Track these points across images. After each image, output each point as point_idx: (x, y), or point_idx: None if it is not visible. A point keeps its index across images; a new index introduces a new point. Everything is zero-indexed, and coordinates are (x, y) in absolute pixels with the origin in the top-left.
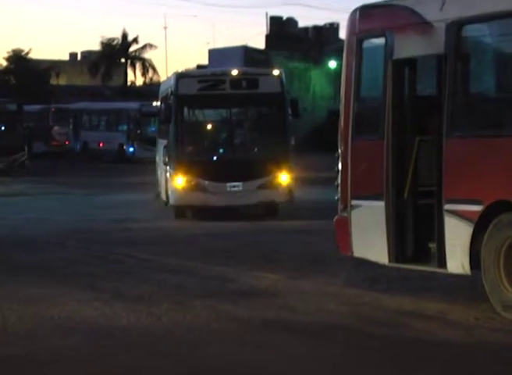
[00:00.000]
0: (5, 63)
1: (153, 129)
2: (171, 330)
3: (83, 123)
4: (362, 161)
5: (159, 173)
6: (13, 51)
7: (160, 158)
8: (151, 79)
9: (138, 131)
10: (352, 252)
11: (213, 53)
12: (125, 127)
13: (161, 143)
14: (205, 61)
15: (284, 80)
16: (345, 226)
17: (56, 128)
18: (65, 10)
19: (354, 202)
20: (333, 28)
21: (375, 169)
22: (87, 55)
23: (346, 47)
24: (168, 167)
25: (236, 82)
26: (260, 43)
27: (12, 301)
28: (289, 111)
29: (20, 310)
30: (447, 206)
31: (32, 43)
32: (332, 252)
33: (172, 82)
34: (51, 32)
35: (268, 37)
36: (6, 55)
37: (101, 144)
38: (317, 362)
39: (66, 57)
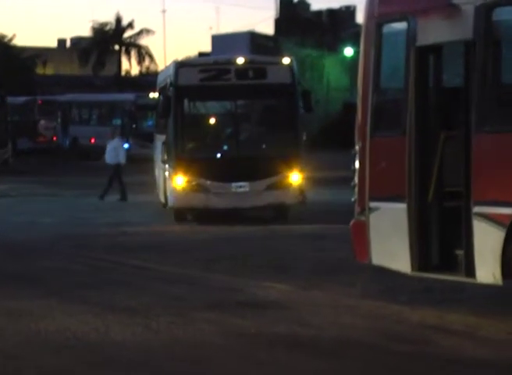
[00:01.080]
0: None
1: (150, 123)
2: (170, 346)
3: (72, 117)
4: (382, 159)
5: (157, 172)
6: None
7: (158, 155)
8: (148, 68)
9: (133, 126)
10: (370, 260)
11: (216, 39)
12: (119, 121)
13: (159, 139)
14: (208, 48)
15: (295, 69)
16: (362, 231)
17: (43, 122)
18: None
19: (373, 205)
20: (349, 11)
21: (395, 167)
22: (76, 41)
23: (363, 32)
24: (166, 166)
25: (241, 71)
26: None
27: None
28: (301, 104)
29: (3, 325)
30: (476, 209)
31: (16, 28)
32: (348, 260)
33: (171, 71)
34: (37, 16)
35: (277, 22)
36: None
37: (92, 140)
38: None
39: (54, 44)
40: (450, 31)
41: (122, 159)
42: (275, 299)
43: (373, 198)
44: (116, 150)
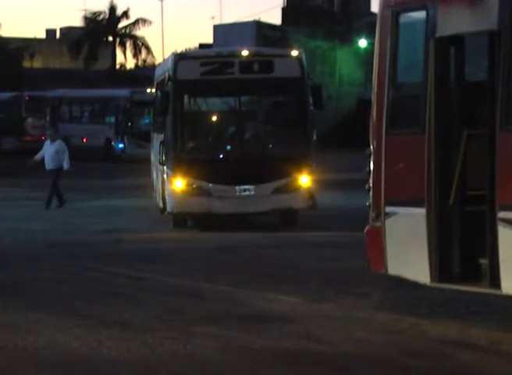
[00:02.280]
0: None
1: (147, 121)
2: (167, 362)
3: (62, 115)
4: (398, 159)
5: (155, 174)
6: None
7: (156, 156)
8: (145, 61)
9: (129, 124)
10: (386, 270)
11: (219, 30)
12: (113, 119)
13: (157, 138)
14: (210, 39)
15: (304, 62)
16: (378, 238)
17: (30, 120)
18: None
19: (389, 209)
20: None
21: (413, 169)
22: (67, 32)
23: (379, 22)
24: (165, 167)
25: (246, 65)
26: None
27: None
28: (311, 100)
29: None
30: (501, 214)
31: (1, 18)
32: (361, 270)
33: (170, 65)
34: (24, 5)
35: (284, 11)
36: None
37: (84, 140)
38: None
39: (43, 35)
40: (473, 21)
41: (67, 164)
42: (282, 312)
43: (389, 203)
44: (59, 153)
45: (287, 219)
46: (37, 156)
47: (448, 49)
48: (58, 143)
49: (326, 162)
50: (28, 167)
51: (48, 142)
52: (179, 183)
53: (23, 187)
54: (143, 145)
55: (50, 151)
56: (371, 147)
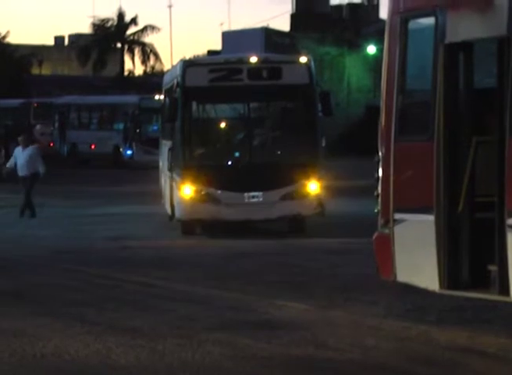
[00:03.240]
0: None
1: (155, 128)
2: (176, 370)
3: (70, 121)
4: (407, 166)
5: (163, 180)
6: None
7: (164, 163)
8: (153, 68)
9: (137, 130)
10: (395, 277)
11: (228, 36)
12: (121, 126)
13: (165, 145)
14: (218, 46)
15: (313, 68)
16: (386, 245)
17: (38, 127)
18: None
19: (398, 216)
20: (372, 6)
21: (422, 175)
22: (75, 39)
23: (387, 28)
24: (173, 174)
25: (254, 71)
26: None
27: None
28: (319, 106)
29: None
30: (511, 221)
31: (10, 25)
32: (370, 277)
33: (179, 71)
34: (33, 11)
35: (293, 17)
36: None
37: (92, 147)
38: None
39: (51, 42)
40: (482, 27)
41: (42, 169)
42: (291, 319)
43: (398, 209)
44: (33, 159)
45: (295, 225)
46: (8, 164)
47: (457, 55)
48: (32, 148)
49: (335, 169)
50: (4, 177)
51: (19, 148)
52: (187, 190)
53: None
54: (151, 152)
55: (23, 158)
56: (380, 153)
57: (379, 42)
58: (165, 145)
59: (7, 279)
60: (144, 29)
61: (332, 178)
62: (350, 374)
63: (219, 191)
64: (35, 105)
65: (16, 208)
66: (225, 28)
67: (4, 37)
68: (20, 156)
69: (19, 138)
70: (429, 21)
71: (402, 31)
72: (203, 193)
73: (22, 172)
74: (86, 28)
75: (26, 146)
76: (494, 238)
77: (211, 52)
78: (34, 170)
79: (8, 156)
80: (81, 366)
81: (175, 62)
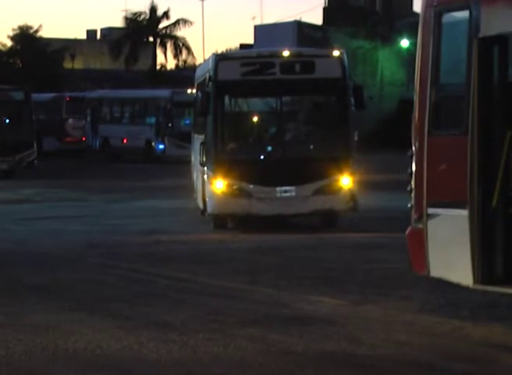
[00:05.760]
0: (9, 43)
1: (187, 122)
2: (208, 365)
3: (102, 115)
4: (441, 160)
5: (195, 175)
6: (20, 28)
7: (196, 157)
8: (185, 62)
9: (169, 125)
10: (428, 272)
11: (260, 30)
12: (153, 120)
13: (198, 139)
14: (250, 40)
15: (346, 62)
16: (420, 240)
17: (71, 121)
18: None
19: (431, 211)
20: None
21: (456, 170)
22: (107, 33)
23: (421, 22)
24: (205, 168)
25: (287, 65)
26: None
27: (18, 330)
28: (352, 100)
29: (28, 341)
30: None
31: (42, 18)
32: (403, 272)
33: (211, 65)
34: (65, 5)
35: (326, 11)
36: (12, 34)
37: (124, 141)
38: None
39: (83, 35)
40: None
41: None
42: (324, 314)
43: (431, 204)
44: None
45: (328, 220)
46: None
47: (491, 49)
48: None
49: (367, 163)
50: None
51: None
52: (219, 185)
53: (63, 188)
54: (183, 146)
55: None
56: (413, 148)
57: (412, 36)
58: (197, 139)
59: (42, 274)
60: (177, 22)
61: (364, 172)
62: (386, 370)
63: (251, 186)
64: (67, 99)
65: (49, 202)
66: (258, 22)
67: (36, 31)
68: None
69: None
70: (463, 14)
71: (436, 25)
72: (235, 187)
73: None
74: (118, 22)
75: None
76: None
77: (243, 46)
78: None
79: (40, 150)
80: (113, 360)
81: (207, 56)
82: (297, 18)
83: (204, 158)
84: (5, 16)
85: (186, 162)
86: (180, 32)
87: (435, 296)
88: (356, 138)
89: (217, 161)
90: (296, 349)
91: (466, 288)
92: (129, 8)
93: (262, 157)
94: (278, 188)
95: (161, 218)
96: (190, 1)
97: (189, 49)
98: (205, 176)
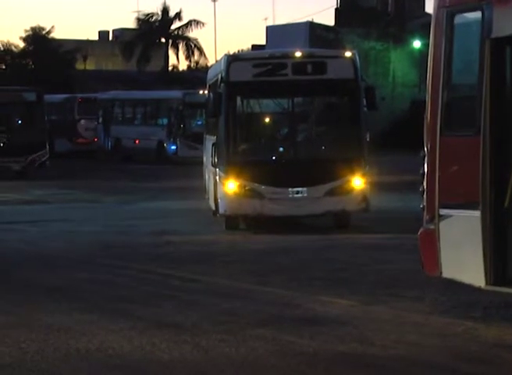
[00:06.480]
0: (22, 44)
1: (199, 123)
2: (220, 366)
3: (114, 116)
4: (453, 161)
5: (207, 176)
6: (32, 29)
7: (208, 158)
8: (197, 63)
9: (181, 126)
10: (440, 272)
11: (272, 31)
12: (165, 121)
13: (209, 140)
14: (262, 40)
15: (358, 63)
16: (432, 241)
17: (83, 122)
18: None
19: (444, 212)
20: (418, 0)
21: (468, 171)
22: (119, 34)
23: (433, 23)
24: (217, 169)
25: (299, 66)
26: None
27: (30, 330)
28: (364, 101)
29: (40, 342)
30: None
31: (55, 20)
32: (415, 272)
33: (223, 66)
34: (77, 7)
35: (338, 12)
36: (24, 35)
37: (136, 142)
38: None
39: (95, 37)
40: None
41: None
42: (335, 315)
43: (444, 205)
44: None
45: (340, 221)
46: None
47: (504, 50)
48: None
49: (379, 164)
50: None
51: None
52: (231, 186)
53: (75, 189)
54: (195, 147)
55: None
56: (426, 148)
57: (425, 37)
58: (209, 140)
59: (54, 275)
60: (189, 23)
61: (376, 173)
62: (397, 371)
63: (263, 187)
64: (79, 100)
65: (61, 203)
66: (270, 23)
67: (49, 33)
68: None
69: None
70: (475, 15)
71: (448, 25)
72: (247, 188)
73: None
74: (130, 23)
75: None
76: None
77: (255, 47)
78: None
79: (52, 151)
80: (125, 361)
81: (219, 57)
82: (309, 19)
83: (216, 159)
84: (18, 17)
85: (198, 163)
86: (192, 33)
87: (446, 297)
88: (368, 139)
89: (229, 162)
90: (308, 350)
91: (478, 289)
92: (141, 9)
93: (274, 158)
94: (290, 189)
95: (173, 219)
96: (202, 2)
97: (201, 50)
98: (217, 177)
